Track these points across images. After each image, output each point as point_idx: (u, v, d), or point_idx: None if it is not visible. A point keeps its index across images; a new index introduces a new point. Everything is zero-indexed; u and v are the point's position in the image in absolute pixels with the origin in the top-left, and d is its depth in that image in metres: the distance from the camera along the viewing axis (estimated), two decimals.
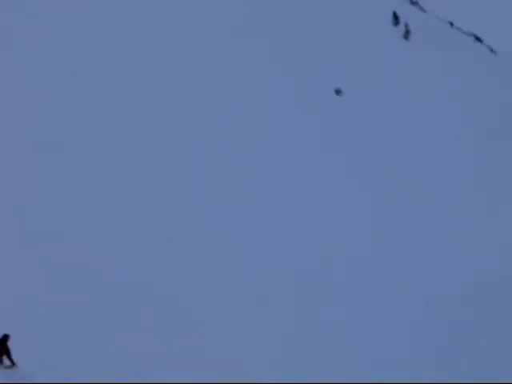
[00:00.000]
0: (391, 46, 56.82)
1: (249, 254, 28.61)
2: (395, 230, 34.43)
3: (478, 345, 21.77)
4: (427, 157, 43.18)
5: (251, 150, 36.90)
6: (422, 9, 74.58)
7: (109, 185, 30.66)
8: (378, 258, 31.52)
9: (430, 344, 22.39)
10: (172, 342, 18.16)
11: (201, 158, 34.59)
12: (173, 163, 33.22)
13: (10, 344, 18.29)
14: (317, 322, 17.93)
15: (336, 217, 33.98)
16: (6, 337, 18.40)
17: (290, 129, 40.53)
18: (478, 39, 76.56)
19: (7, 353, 18.38)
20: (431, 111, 49.85)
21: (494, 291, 28.35)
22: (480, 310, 26.05)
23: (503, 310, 25.80)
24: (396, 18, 64.33)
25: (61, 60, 37.78)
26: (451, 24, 73.91)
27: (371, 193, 37.25)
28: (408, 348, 21.46)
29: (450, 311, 25.89)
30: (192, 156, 34.57)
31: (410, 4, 72.88)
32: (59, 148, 32.41)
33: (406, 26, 63.58)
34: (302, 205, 34.12)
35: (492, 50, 78.38)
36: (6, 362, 18.60)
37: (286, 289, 25.86)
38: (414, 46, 59.09)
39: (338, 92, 48.95)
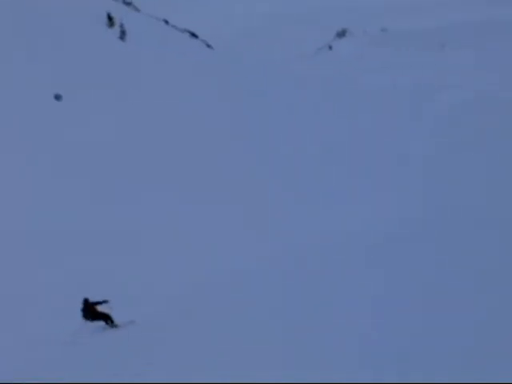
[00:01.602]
0: (107, 47, 57.65)
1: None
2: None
3: None
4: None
5: None
6: (136, 8, 76.65)
7: None
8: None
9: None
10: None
11: None
12: None
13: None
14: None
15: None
16: (86, 301, 19.28)
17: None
18: (193, 35, 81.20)
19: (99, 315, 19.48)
20: (159, 106, 51.44)
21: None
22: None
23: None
24: (110, 19, 65.41)
25: None
26: (166, 22, 77.25)
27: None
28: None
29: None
30: None
31: (123, 4, 74.37)
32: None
33: (122, 26, 65.03)
34: None
35: (208, 45, 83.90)
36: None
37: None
38: (130, 46, 60.69)
39: (57, 97, 48.60)
